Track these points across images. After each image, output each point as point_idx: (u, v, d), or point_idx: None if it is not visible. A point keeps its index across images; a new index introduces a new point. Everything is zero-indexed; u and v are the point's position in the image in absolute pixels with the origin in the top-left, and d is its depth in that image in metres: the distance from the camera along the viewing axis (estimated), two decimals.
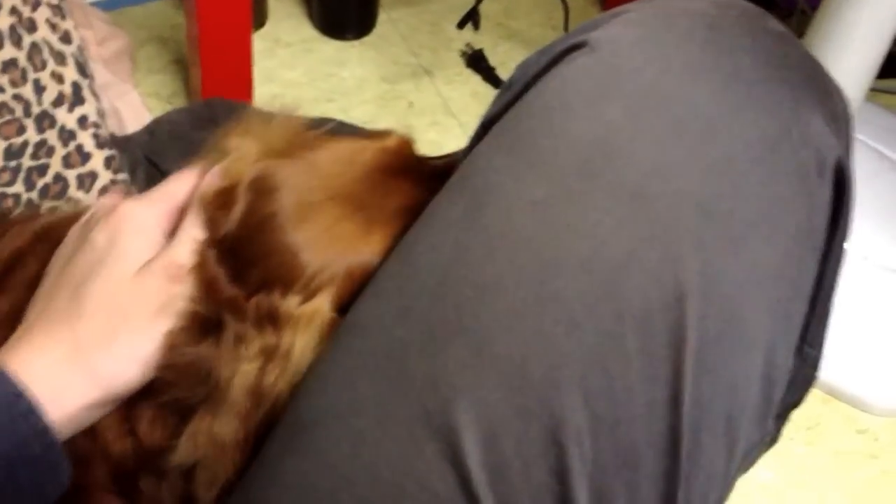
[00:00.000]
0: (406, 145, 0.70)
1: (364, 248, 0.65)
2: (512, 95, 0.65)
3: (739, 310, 0.57)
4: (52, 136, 1.08)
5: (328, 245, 0.64)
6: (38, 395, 0.58)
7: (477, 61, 1.73)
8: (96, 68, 1.20)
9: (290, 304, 0.63)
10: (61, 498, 0.60)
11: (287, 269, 0.63)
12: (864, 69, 1.14)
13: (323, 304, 0.64)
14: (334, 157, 0.67)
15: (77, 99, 1.10)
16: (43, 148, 1.07)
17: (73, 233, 0.69)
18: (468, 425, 0.55)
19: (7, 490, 0.56)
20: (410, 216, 0.65)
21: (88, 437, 0.63)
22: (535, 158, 0.60)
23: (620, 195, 0.57)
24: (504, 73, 1.71)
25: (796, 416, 0.68)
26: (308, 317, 0.63)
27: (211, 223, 0.64)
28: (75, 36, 1.14)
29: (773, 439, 0.66)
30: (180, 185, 0.68)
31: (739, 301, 0.57)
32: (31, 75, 1.10)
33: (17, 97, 1.09)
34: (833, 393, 1.22)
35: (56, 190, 1.03)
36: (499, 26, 1.82)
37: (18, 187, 1.04)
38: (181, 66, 1.62)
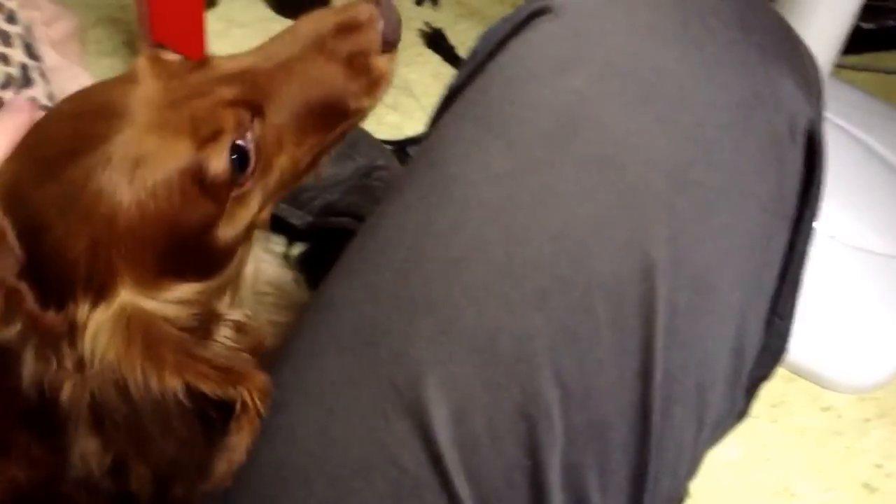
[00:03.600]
0: (161, 63, 0.62)
1: (122, 206, 0.56)
2: (475, 64, 0.64)
3: (710, 280, 0.57)
4: None
5: (88, 219, 0.56)
6: None
7: (437, 41, 1.71)
8: (45, 50, 1.18)
9: (82, 311, 0.56)
10: None
11: (66, 268, 0.56)
12: (829, 44, 1.14)
13: (113, 301, 0.57)
14: (73, 122, 0.59)
15: (25, 81, 1.08)
16: None
17: None
18: (437, 400, 0.54)
19: None
20: (181, 148, 0.57)
21: (30, 466, 0.61)
22: (500, 129, 0.59)
23: (588, 164, 0.56)
24: (464, 53, 1.69)
25: (761, 393, 0.68)
26: (96, 321, 0.56)
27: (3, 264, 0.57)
28: (21, 16, 1.12)
29: (742, 413, 0.65)
30: None
31: (710, 271, 0.57)
32: None
33: None
34: (797, 371, 1.23)
35: None
36: (458, 4, 1.80)
37: None
38: (132, 48, 1.59)
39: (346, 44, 0.64)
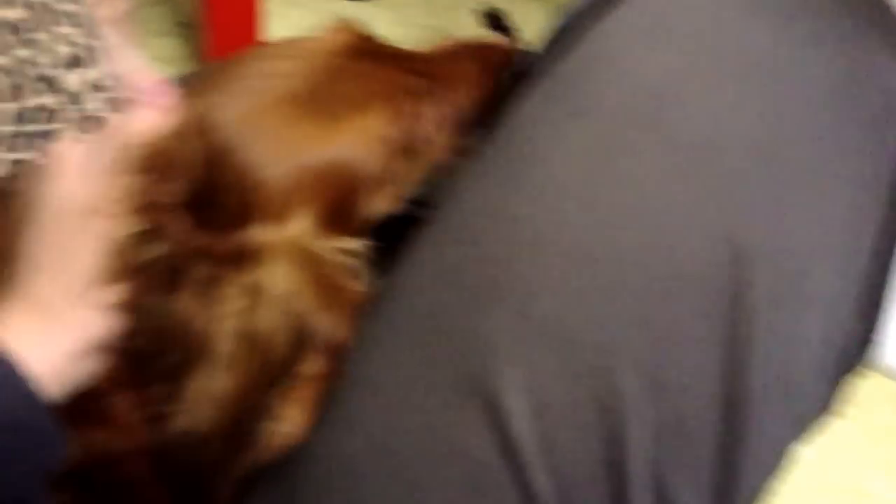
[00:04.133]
0: (356, 29, 0.66)
1: (330, 145, 0.59)
2: (557, 42, 0.62)
3: (802, 267, 0.54)
4: (64, 101, 1.05)
5: (282, 154, 0.58)
6: (21, 353, 0.55)
7: (494, 21, 1.68)
8: (103, 30, 1.17)
9: (262, 234, 0.57)
10: (108, 494, 0.60)
11: (248, 193, 0.57)
12: None
13: (297, 228, 0.58)
14: (266, 61, 0.62)
15: (88, 61, 1.07)
16: (56, 113, 1.04)
17: (24, 191, 0.64)
18: (513, 390, 0.53)
19: (4, 458, 0.54)
20: (386, 99, 0.62)
21: (109, 429, 0.61)
22: (582, 108, 0.57)
23: (675, 145, 0.54)
24: (530, 34, 1.66)
25: None
26: (284, 245, 0.57)
27: (161, 188, 0.59)
28: None
29: (828, 407, 0.63)
30: (124, 129, 0.64)
31: (803, 258, 0.54)
32: (41, 36, 1.07)
33: (26, 59, 1.06)
34: (873, 366, 1.19)
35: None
36: None
37: (31, 154, 1.01)
38: (187, 28, 1.59)
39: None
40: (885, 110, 0.57)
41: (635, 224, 0.54)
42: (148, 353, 0.59)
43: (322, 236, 0.59)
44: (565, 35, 0.62)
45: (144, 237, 0.58)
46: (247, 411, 0.58)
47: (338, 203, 0.60)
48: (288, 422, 0.57)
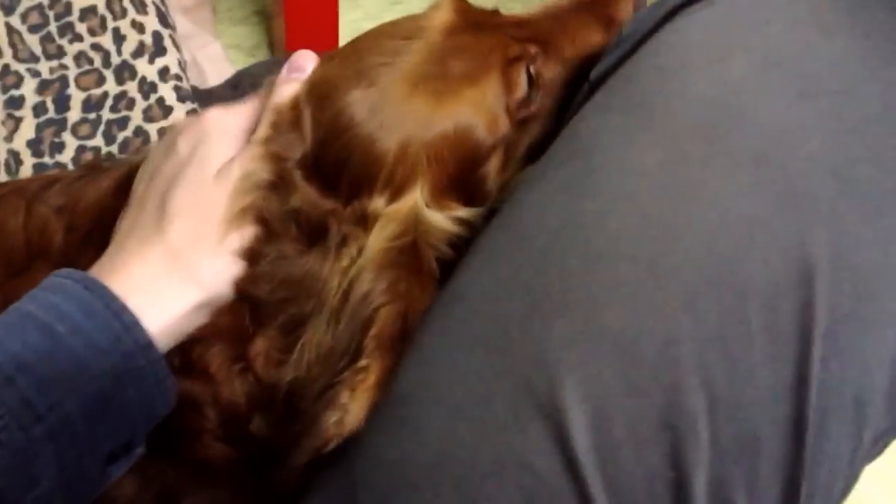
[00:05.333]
0: (461, 4, 0.68)
1: (437, 120, 0.63)
2: (625, 51, 0.61)
3: (873, 285, 0.53)
4: (132, 88, 1.06)
5: (400, 127, 0.62)
6: (139, 305, 0.58)
7: None
8: (177, 18, 1.18)
9: (378, 204, 0.62)
10: (168, 439, 0.62)
11: (368, 164, 0.62)
12: None
13: (410, 199, 0.62)
14: (384, 39, 0.66)
15: (158, 49, 1.08)
16: (123, 100, 1.05)
17: (157, 148, 0.69)
18: (575, 403, 0.52)
19: (115, 405, 0.56)
20: (483, 74, 0.65)
21: (200, 379, 0.63)
22: (650, 119, 0.56)
23: (744, 160, 0.53)
24: None
25: None
26: (397, 214, 0.62)
27: (289, 145, 0.64)
28: None
29: None
30: (263, 98, 0.68)
31: (874, 276, 0.53)
32: (111, 24, 1.09)
33: (95, 46, 1.07)
34: None
35: (136, 144, 1.01)
36: None
37: (98, 140, 1.02)
38: (264, 16, 1.59)
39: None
40: None
41: (705, 238, 0.52)
42: (271, 304, 0.62)
43: (438, 206, 0.64)
44: (634, 42, 0.61)
45: (273, 188, 0.63)
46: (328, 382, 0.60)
47: (455, 174, 0.64)
48: (349, 412, 0.58)
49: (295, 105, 0.65)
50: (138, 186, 0.67)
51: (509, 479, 0.53)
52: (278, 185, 0.63)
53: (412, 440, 0.56)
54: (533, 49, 0.68)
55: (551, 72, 0.69)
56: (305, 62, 0.68)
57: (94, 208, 0.70)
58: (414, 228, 0.62)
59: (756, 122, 0.54)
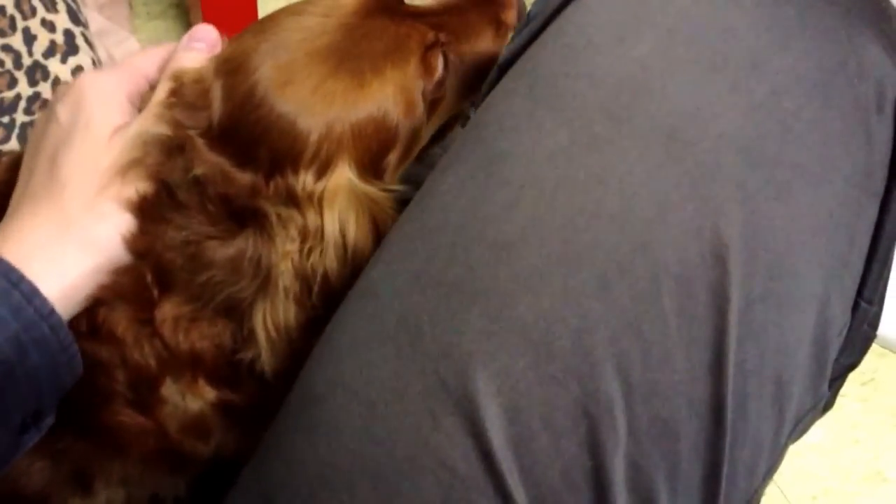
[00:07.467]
0: None
1: (362, 101, 0.63)
2: (530, 32, 0.60)
3: (788, 264, 0.52)
4: (45, 89, 1.04)
5: (322, 106, 0.62)
6: (37, 271, 0.58)
7: None
8: (90, 15, 1.16)
9: (306, 181, 0.62)
10: (76, 404, 0.62)
11: (289, 141, 0.62)
12: None
13: (341, 176, 0.63)
14: (300, 16, 0.65)
15: (70, 48, 1.06)
16: (36, 102, 1.03)
17: (39, 119, 0.68)
18: (489, 396, 0.51)
19: (21, 374, 0.56)
20: (403, 58, 0.65)
21: (108, 342, 0.63)
22: (556, 102, 0.55)
23: (653, 140, 0.52)
24: None
25: None
26: (331, 192, 0.62)
27: (192, 115, 0.62)
28: None
29: (827, 405, 0.61)
30: (144, 59, 0.68)
31: (788, 254, 0.52)
32: (21, 24, 1.06)
33: (5, 48, 1.04)
34: (889, 346, 1.16)
35: None
36: None
37: (13, 144, 1.00)
38: (181, 10, 1.57)
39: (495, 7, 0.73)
40: (876, 102, 0.55)
41: (615, 222, 0.52)
42: (182, 273, 0.63)
43: (367, 178, 0.64)
44: (539, 23, 0.60)
45: (171, 151, 0.62)
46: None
47: (373, 154, 0.64)
48: (275, 310, 0.63)
49: (200, 78, 0.63)
50: (26, 156, 0.66)
51: (426, 477, 0.52)
52: (178, 149, 0.62)
53: (327, 441, 0.55)
54: (444, 37, 0.68)
55: (458, 61, 0.70)
56: (207, 33, 0.67)
57: None
58: (364, 204, 0.64)
59: (664, 100, 0.53)
